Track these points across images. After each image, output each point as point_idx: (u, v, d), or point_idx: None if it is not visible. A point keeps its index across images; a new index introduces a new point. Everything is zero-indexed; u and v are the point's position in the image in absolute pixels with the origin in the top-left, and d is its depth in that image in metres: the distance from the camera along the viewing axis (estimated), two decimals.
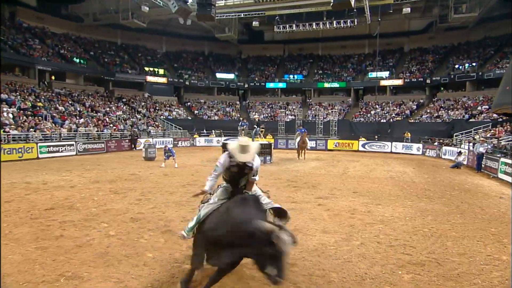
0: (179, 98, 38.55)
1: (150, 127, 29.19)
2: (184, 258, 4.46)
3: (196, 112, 36.63)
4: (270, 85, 40.07)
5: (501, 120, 21.84)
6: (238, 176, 3.51)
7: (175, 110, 35.48)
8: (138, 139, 24.22)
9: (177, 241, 5.12)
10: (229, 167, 3.47)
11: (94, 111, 26.75)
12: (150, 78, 36.02)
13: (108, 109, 28.82)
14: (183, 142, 28.48)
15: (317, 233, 5.58)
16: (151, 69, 36.95)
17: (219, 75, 40.53)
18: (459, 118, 27.37)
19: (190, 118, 35.22)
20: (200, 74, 40.60)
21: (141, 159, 16.66)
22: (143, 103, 33.88)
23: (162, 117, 32.64)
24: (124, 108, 31.06)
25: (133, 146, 23.55)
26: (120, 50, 37.24)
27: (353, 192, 9.19)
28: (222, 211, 3.17)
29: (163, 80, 37.05)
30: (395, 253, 4.82)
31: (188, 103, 38.14)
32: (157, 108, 34.26)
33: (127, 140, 23.73)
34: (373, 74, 36.56)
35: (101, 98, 30.54)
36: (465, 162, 16.23)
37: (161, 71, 37.54)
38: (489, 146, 15.03)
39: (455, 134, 24.35)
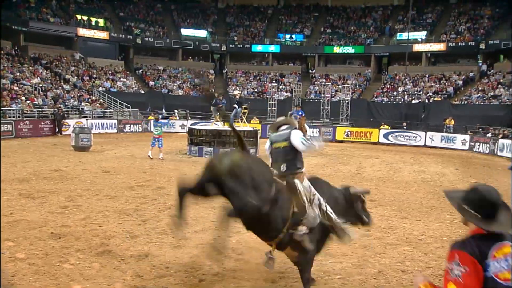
0: (127, 63, 38.10)
1: (83, 103, 28.69)
2: None
3: (151, 83, 36.26)
4: (258, 48, 39.92)
5: None
6: None
7: (121, 79, 35.05)
8: (65, 120, 23.86)
9: (118, 266, 5.07)
10: None
11: None
12: (83, 32, 35.37)
13: (18, 74, 28.15)
14: (132, 126, 28.20)
15: (317, 257, 5.60)
16: (85, 18, 36.20)
17: (185, 32, 40.08)
18: None
19: (142, 91, 34.83)
20: (157, 29, 40.02)
21: (69, 149, 16.36)
22: (72, 68, 33.31)
23: (101, 88, 32.20)
24: (44, 74, 30.46)
25: (57, 129, 23.24)
26: None
27: (369, 201, 9.24)
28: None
29: (103, 35, 36.43)
30: None
31: (140, 70, 37.69)
32: (94, 75, 33.76)
33: (48, 121, 23.33)
34: (403, 35, 36.83)
35: (7, 58, 29.69)
36: None
37: (101, 22, 36.86)
38: None
39: None
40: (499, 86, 30.63)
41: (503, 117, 27.01)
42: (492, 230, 2.30)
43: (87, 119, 25.63)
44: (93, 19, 36.54)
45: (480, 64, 34.30)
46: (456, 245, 2.31)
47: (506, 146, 20.60)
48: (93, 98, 30.48)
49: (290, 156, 4.34)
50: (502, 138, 22.13)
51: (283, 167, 4.33)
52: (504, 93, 29.59)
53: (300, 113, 18.75)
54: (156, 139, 14.81)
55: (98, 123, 25.87)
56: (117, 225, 6.72)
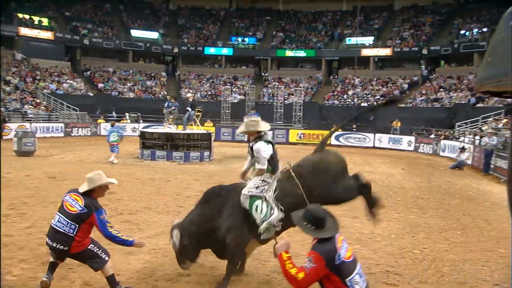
0: (74, 64, 36.98)
1: (26, 106, 27.71)
2: None
3: (100, 86, 35.29)
4: (211, 50, 39.85)
5: None
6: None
7: (68, 81, 33.95)
8: (6, 124, 22.88)
9: (66, 275, 4.90)
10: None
11: None
12: (25, 31, 34.16)
13: None
14: (80, 129, 27.37)
15: (272, 258, 5.64)
16: (28, 16, 34.89)
17: (135, 33, 39.38)
18: (463, 102, 29.57)
19: (91, 94, 33.86)
20: (106, 30, 39.04)
21: (11, 154, 15.76)
22: (14, 69, 32.02)
23: (46, 91, 31.01)
24: None
25: None
26: None
27: None
28: None
29: (47, 35, 35.25)
30: (376, 282, 5.06)
31: (89, 72, 36.61)
32: (39, 77, 32.52)
33: None
34: (352, 40, 38.00)
35: None
36: (469, 161, 17.58)
37: (44, 21, 35.59)
38: (500, 140, 16.02)
39: (457, 123, 26.27)
40: (441, 89, 32.24)
41: (444, 119, 28.46)
42: (323, 237, 3.23)
43: (30, 123, 24.67)
44: (36, 18, 35.24)
45: (423, 68, 35.99)
46: (315, 248, 3.20)
47: (447, 146, 21.74)
48: (37, 100, 29.33)
49: None
50: (443, 139, 23.29)
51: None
52: (445, 97, 31.18)
53: (256, 115, 18.84)
54: (115, 146, 14.44)
55: (43, 127, 24.93)
56: None
